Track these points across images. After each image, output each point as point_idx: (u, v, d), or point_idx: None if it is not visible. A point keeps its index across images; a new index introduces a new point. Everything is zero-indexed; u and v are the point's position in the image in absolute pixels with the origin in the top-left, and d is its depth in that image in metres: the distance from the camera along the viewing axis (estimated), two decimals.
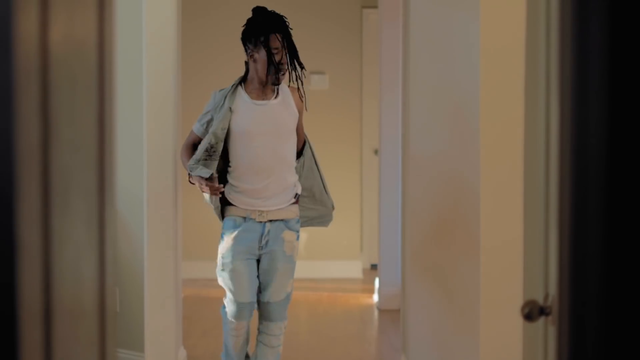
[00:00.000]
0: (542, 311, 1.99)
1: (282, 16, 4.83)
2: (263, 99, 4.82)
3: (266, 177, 4.79)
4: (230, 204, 4.84)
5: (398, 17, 6.80)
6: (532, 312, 1.99)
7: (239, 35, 4.84)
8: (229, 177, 4.85)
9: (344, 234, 9.22)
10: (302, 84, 4.88)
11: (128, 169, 5.36)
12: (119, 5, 5.14)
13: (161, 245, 5.40)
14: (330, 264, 9.14)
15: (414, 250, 5.09)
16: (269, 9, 4.86)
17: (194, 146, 4.89)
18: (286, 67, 4.81)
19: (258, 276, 4.83)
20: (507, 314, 4.10)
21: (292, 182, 4.88)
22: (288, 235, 4.83)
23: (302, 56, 4.93)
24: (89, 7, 1.69)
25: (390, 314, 7.36)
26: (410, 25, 5.18)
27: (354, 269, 9.24)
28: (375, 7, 8.47)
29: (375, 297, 7.88)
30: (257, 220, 4.78)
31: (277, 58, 4.76)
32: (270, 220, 4.80)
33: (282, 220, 4.83)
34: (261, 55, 4.75)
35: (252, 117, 4.79)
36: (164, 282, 5.43)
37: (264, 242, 4.79)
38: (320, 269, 9.18)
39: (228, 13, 9.00)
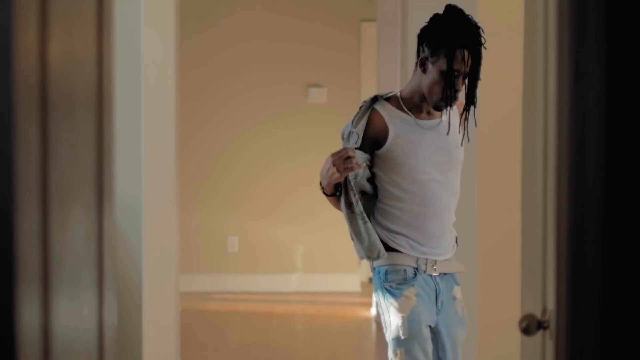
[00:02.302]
0: (540, 325, 1.99)
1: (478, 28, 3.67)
2: (429, 118, 3.76)
3: (436, 216, 3.74)
4: (390, 249, 3.68)
5: (396, 31, 6.82)
6: (529, 326, 2.00)
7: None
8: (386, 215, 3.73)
9: (342, 247, 9.21)
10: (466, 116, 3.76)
11: (126, 181, 5.36)
12: (117, 20, 5.15)
13: (159, 259, 5.41)
14: (328, 277, 9.14)
15: None
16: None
17: None
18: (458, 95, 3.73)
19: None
20: (505, 327, 4.10)
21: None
22: (459, 292, 3.78)
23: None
24: (88, 24, 1.70)
25: None
26: (408, 39, 5.21)
27: (351, 282, 9.24)
28: (373, 20, 8.49)
29: (373, 311, 7.88)
30: (428, 273, 3.67)
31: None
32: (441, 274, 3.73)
33: (451, 274, 3.77)
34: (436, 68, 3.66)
35: (418, 141, 3.72)
36: (162, 296, 5.43)
37: (439, 303, 3.69)
38: (318, 282, 9.17)
39: (229, 26, 9.01)
